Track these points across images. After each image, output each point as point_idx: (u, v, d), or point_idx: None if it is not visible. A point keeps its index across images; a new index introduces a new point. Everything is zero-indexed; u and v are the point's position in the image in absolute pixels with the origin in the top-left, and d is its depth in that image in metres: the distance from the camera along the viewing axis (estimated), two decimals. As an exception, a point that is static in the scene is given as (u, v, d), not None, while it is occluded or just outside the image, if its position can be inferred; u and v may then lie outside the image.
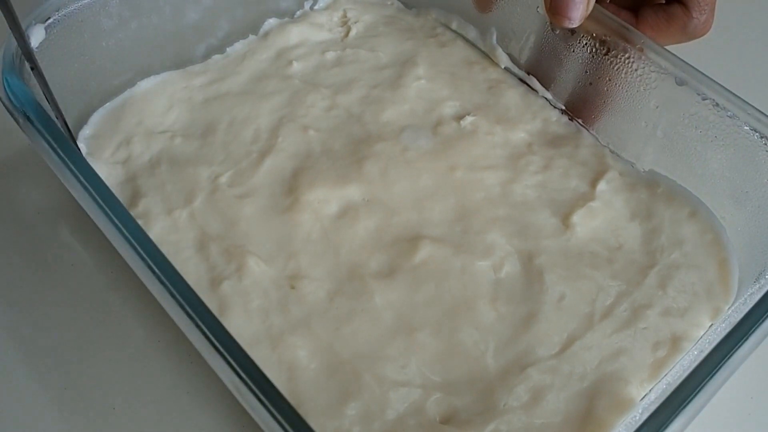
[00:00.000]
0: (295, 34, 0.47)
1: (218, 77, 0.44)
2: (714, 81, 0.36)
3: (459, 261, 0.37)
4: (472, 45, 0.47)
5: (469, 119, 0.42)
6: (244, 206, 0.38)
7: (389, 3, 0.50)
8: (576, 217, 0.38)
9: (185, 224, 0.38)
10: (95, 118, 0.42)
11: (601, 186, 0.40)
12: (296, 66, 0.45)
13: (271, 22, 0.47)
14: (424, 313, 0.35)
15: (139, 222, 0.32)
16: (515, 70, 0.45)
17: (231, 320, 0.34)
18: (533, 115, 0.43)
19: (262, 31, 0.47)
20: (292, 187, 0.39)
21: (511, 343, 0.34)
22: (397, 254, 0.37)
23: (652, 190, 0.40)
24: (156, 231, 0.37)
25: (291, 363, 0.33)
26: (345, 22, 0.48)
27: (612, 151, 0.42)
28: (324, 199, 0.39)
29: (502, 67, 0.45)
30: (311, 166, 0.40)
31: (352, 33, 0.47)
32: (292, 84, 0.44)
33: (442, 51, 0.46)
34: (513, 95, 0.44)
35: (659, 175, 0.40)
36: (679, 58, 0.37)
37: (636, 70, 0.38)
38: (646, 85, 0.38)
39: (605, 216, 0.39)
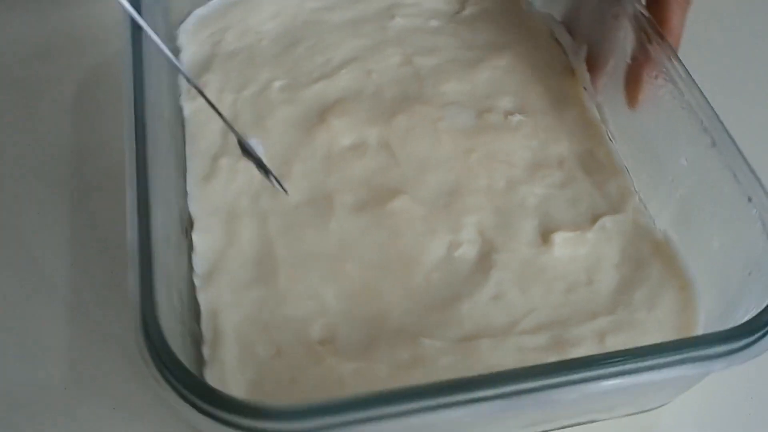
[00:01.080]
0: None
1: (329, 6, 0.48)
2: (739, 152, 0.33)
3: (424, 226, 0.38)
4: (564, 55, 0.46)
5: (517, 117, 0.43)
6: (278, 111, 0.42)
7: None
8: (559, 238, 0.37)
9: (226, 105, 0.42)
10: (216, 2, 0.48)
11: (606, 222, 0.38)
12: (397, 21, 0.48)
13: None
14: (365, 252, 0.37)
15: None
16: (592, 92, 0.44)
17: (211, 186, 0.39)
18: (585, 138, 0.42)
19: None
20: (326, 110, 0.42)
21: (422, 313, 0.35)
22: (375, 197, 0.39)
23: (657, 249, 0.37)
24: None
25: (233, 236, 0.37)
26: (465, 0, 0.50)
27: (641, 200, 0.39)
28: (345, 129, 0.41)
29: (582, 86, 0.44)
30: (353, 100, 0.43)
31: (465, 12, 0.49)
32: (384, 35, 0.47)
33: (534, 53, 0.46)
34: (574, 113, 0.43)
35: (671, 239, 0.37)
36: (717, 117, 0.34)
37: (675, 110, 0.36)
38: (681, 132, 0.36)
39: (593, 251, 0.38)
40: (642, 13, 0.39)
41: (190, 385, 0.25)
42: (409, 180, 0.40)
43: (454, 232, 0.38)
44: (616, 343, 0.34)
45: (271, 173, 0.34)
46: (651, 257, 0.37)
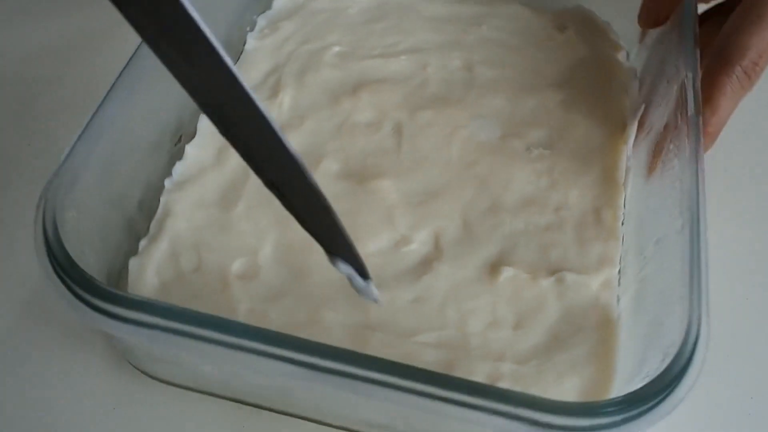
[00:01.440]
0: (520, 13, 0.49)
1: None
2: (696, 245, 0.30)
3: (388, 213, 0.38)
4: (625, 111, 0.44)
5: (538, 151, 0.41)
6: (323, 71, 0.45)
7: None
8: (507, 273, 0.36)
9: (284, 52, 0.46)
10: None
11: (566, 277, 0.36)
12: (482, 29, 0.48)
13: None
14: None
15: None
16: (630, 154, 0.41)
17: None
18: (599, 195, 0.40)
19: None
20: (363, 85, 0.44)
21: (341, 287, 0.35)
22: (360, 173, 0.40)
23: (604, 326, 0.35)
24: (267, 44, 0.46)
25: (222, 161, 0.40)
26: (564, 27, 0.48)
27: (619, 272, 0.37)
28: (370, 107, 0.43)
29: (624, 144, 0.42)
30: (393, 84, 0.44)
31: (554, 42, 0.48)
32: (461, 37, 0.47)
33: (598, 99, 0.44)
34: (602, 167, 0.41)
35: (622, 321, 0.35)
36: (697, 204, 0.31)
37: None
38: (664, 210, 0.33)
39: (537, 299, 0.36)
40: (687, 82, 0.36)
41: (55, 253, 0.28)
42: (400, 169, 0.40)
43: (412, 229, 0.38)
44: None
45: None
46: (592, 331, 0.35)
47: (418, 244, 0.37)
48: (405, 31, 0.48)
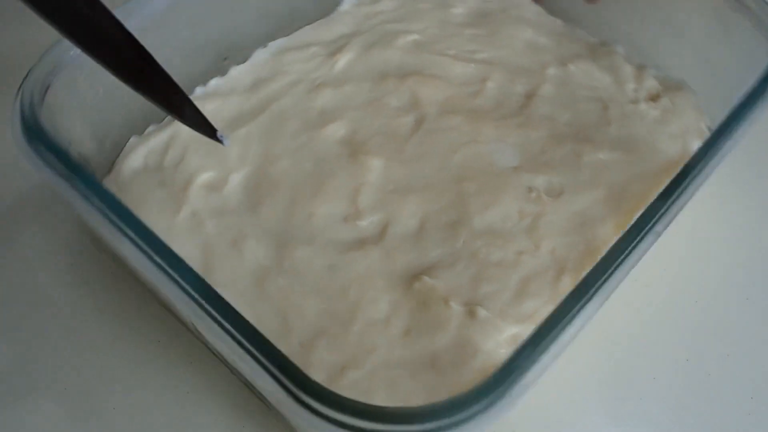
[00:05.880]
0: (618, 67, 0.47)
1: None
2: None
3: (355, 184, 0.40)
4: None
5: (539, 194, 0.39)
6: (389, 52, 0.46)
7: None
8: (425, 284, 0.35)
9: (369, 24, 0.48)
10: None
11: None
12: (570, 69, 0.47)
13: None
14: (301, 162, 0.40)
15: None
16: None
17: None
18: (570, 266, 0.37)
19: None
20: (416, 76, 0.45)
21: (287, 227, 0.38)
22: (357, 146, 0.41)
23: None
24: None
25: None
26: (658, 98, 0.45)
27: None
28: (408, 93, 0.44)
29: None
30: (445, 83, 0.45)
31: (630, 108, 0.45)
32: (543, 71, 0.46)
33: (637, 178, 0.41)
34: (587, 247, 0.38)
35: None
36: None
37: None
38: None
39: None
40: None
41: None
42: (396, 156, 0.41)
43: (369, 210, 0.38)
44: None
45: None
46: (469, 373, 0.33)
47: (367, 224, 0.38)
48: (491, 44, 0.47)
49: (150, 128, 0.41)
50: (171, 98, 0.30)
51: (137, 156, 0.40)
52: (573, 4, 0.48)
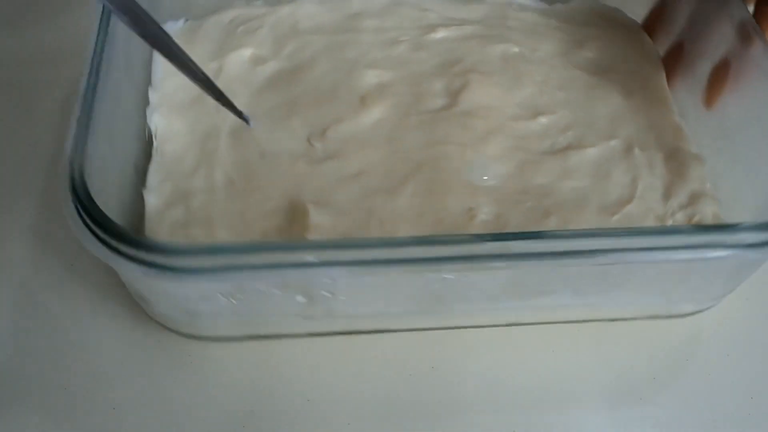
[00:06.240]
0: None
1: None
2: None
3: (310, 126, 0.42)
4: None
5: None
6: (410, 55, 0.47)
7: None
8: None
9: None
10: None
11: None
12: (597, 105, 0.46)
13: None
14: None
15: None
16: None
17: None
18: None
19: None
20: (466, 72, 0.45)
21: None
22: (343, 113, 0.43)
23: None
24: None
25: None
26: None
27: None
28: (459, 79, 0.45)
29: None
30: (497, 79, 0.45)
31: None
32: (578, 109, 0.45)
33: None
34: None
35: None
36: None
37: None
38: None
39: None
40: (749, 20, 0.39)
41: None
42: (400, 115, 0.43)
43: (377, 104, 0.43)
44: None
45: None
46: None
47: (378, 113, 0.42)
48: (580, 106, 0.45)
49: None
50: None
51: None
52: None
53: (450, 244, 0.30)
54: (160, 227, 0.37)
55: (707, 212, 0.39)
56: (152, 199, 0.38)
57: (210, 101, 0.39)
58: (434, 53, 0.47)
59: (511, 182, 0.40)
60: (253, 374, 0.36)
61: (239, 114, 0.40)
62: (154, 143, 0.41)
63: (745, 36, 0.39)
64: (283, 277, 0.31)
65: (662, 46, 0.48)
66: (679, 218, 0.39)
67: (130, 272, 0.30)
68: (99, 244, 0.29)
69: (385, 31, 0.48)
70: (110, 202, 0.33)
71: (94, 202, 0.29)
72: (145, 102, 0.42)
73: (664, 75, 0.46)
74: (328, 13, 0.48)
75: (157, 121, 0.41)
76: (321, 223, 0.37)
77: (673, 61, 0.46)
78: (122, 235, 0.29)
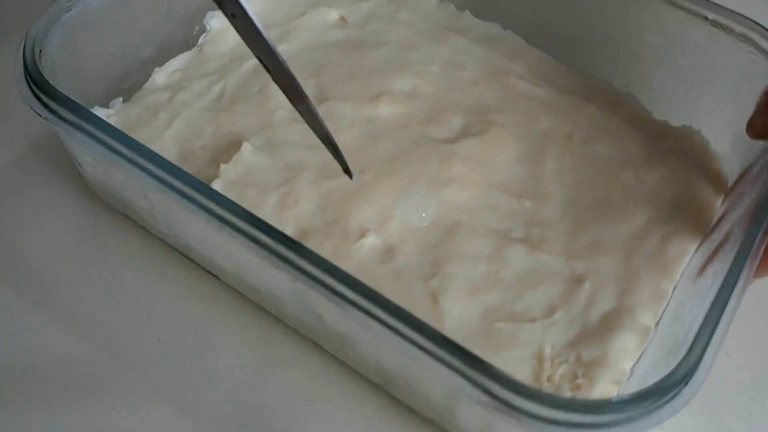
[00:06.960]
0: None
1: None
2: None
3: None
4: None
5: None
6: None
7: None
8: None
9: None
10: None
11: None
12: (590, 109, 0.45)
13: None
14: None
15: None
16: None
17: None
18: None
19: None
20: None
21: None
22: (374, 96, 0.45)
23: None
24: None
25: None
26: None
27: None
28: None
29: None
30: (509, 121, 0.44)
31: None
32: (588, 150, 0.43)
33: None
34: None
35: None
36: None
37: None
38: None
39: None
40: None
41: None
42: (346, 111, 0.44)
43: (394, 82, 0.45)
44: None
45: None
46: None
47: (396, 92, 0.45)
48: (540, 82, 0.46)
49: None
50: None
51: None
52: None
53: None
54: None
55: (600, 383, 0.34)
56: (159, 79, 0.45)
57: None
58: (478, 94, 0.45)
59: (435, 234, 0.38)
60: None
61: (346, 168, 0.35)
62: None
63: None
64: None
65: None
66: (561, 369, 0.35)
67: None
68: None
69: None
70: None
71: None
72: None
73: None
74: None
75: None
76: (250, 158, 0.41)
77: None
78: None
